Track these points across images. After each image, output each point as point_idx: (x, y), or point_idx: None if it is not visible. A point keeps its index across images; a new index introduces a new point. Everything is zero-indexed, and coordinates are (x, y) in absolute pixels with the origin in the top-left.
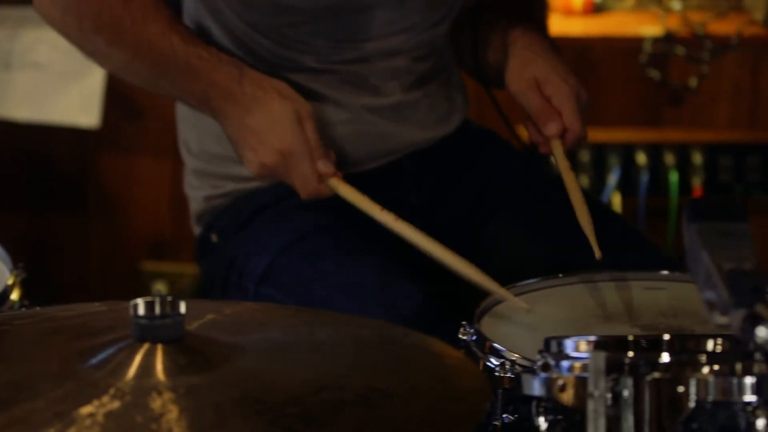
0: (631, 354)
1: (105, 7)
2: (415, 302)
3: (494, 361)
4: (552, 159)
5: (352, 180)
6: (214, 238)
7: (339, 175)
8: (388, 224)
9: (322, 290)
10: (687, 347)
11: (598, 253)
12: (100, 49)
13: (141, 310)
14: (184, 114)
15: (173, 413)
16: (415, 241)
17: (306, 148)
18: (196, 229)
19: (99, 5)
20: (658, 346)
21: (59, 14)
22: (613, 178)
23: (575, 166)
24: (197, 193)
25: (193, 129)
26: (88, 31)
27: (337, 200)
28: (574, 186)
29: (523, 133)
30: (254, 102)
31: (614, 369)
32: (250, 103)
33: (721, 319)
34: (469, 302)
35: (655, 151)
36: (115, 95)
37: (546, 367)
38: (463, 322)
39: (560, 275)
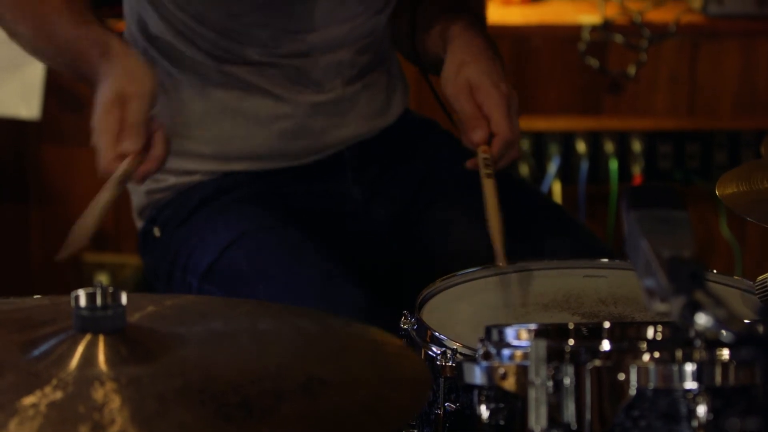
0: (571, 342)
1: None
2: (357, 305)
3: (435, 350)
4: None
5: (292, 173)
6: (156, 232)
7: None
8: None
9: (264, 292)
10: (627, 335)
11: (502, 263)
12: (10, 26)
13: (82, 302)
14: None
15: (116, 403)
16: None
17: (111, 126)
18: (138, 223)
19: None
20: (598, 334)
21: None
22: (553, 167)
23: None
24: (138, 188)
25: None
26: (2, 9)
27: (277, 194)
28: (490, 194)
29: None
30: (100, 80)
31: (555, 357)
32: (98, 81)
33: (661, 307)
34: (412, 296)
35: (594, 139)
36: (56, 87)
37: (487, 356)
38: (405, 312)
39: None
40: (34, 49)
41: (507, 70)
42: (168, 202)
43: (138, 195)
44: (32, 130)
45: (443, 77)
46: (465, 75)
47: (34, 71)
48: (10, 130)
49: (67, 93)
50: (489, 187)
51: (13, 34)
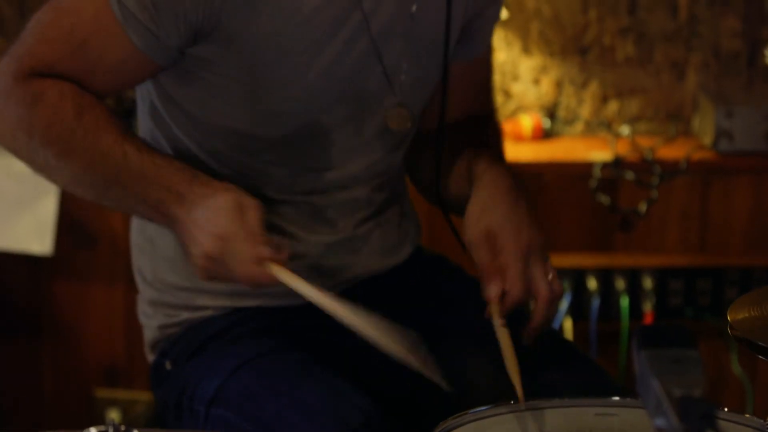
0: None
1: (56, 120)
2: (365, 417)
3: None
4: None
5: (304, 309)
6: (167, 365)
7: (280, 261)
8: (331, 309)
9: (273, 408)
10: None
11: (521, 399)
12: (50, 162)
13: None
14: (138, 242)
15: None
16: (358, 327)
17: (244, 232)
18: (150, 357)
19: (50, 118)
20: None
21: (9, 129)
22: (564, 303)
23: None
24: (151, 322)
25: (147, 257)
26: (37, 145)
27: (288, 327)
28: (506, 344)
29: None
30: (200, 198)
31: None
32: (197, 200)
33: None
34: (420, 412)
35: (605, 276)
36: (68, 222)
37: None
38: None
39: (512, 401)
40: (81, 182)
41: None
42: (180, 337)
43: (151, 330)
44: (45, 265)
45: (464, 224)
46: (485, 222)
47: (47, 206)
48: (23, 265)
49: (79, 229)
50: (504, 337)
51: (50, 170)
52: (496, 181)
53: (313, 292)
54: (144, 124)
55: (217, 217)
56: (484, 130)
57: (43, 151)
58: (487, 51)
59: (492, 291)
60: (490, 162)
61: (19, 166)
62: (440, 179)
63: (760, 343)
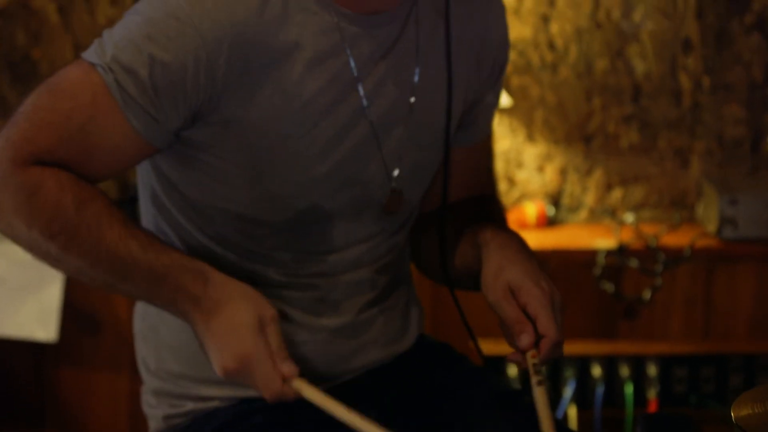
0: None
1: (58, 215)
2: None
3: None
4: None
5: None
6: None
7: (301, 377)
8: (355, 425)
9: None
10: None
11: None
12: (51, 254)
13: None
14: (141, 330)
15: None
16: None
17: (266, 351)
18: None
19: (51, 212)
20: None
21: (5, 216)
22: (568, 391)
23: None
24: (156, 413)
25: (151, 347)
26: (38, 237)
27: (295, 420)
28: (543, 403)
29: (483, 346)
30: (217, 307)
31: None
32: (214, 308)
33: None
34: None
35: (609, 363)
36: (73, 310)
37: None
38: None
39: None
40: (86, 276)
41: None
42: (185, 428)
43: (156, 420)
44: (49, 352)
45: (483, 285)
46: (504, 278)
47: (52, 293)
48: (28, 352)
49: (84, 316)
50: (541, 396)
51: (53, 261)
52: (504, 243)
53: (337, 408)
54: (146, 211)
55: (237, 335)
56: (487, 206)
57: (45, 243)
58: (487, 136)
59: (524, 340)
60: (496, 229)
61: (22, 253)
62: (445, 253)
63: None
